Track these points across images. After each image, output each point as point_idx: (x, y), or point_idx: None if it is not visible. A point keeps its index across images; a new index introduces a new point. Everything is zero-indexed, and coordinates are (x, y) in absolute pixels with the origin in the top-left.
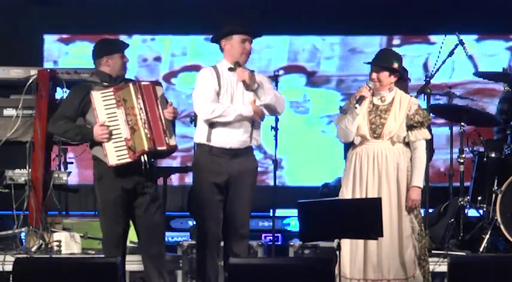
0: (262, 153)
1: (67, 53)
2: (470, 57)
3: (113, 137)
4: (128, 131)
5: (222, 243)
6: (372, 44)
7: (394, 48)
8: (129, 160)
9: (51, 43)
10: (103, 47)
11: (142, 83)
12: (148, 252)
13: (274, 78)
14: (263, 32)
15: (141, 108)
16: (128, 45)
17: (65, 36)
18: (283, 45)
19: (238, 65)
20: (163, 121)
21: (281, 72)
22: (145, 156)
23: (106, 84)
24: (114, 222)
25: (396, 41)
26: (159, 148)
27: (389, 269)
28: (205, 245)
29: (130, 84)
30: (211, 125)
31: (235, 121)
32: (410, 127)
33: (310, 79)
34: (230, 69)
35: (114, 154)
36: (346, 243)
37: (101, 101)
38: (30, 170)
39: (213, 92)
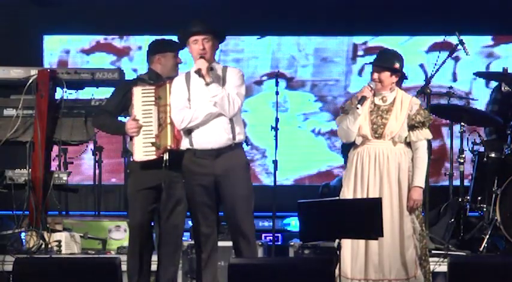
0: (249, 145)
1: (88, 62)
2: (422, 66)
3: (144, 132)
4: (157, 128)
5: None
6: (340, 55)
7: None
8: (154, 157)
9: (74, 55)
10: (157, 45)
11: None
12: (163, 252)
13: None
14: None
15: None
16: (183, 46)
17: (86, 47)
18: (267, 55)
19: (203, 58)
20: None
21: (265, 78)
22: (167, 154)
23: (151, 82)
24: (133, 215)
25: (360, 52)
26: (182, 148)
27: (390, 269)
28: (199, 246)
29: (168, 82)
30: (189, 130)
31: (208, 121)
32: (411, 127)
33: (289, 83)
34: (196, 71)
35: (142, 150)
36: (347, 243)
37: (140, 97)
38: (30, 170)
39: (182, 99)
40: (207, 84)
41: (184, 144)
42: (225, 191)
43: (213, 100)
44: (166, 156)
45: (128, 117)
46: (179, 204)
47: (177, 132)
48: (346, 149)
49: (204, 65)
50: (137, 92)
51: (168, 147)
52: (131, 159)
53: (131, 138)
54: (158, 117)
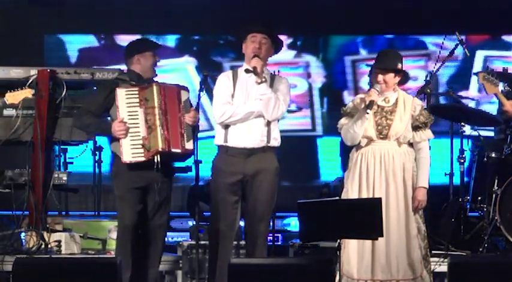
0: None
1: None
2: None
3: (131, 134)
4: (145, 130)
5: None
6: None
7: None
8: (143, 158)
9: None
10: (135, 45)
11: (166, 85)
12: (149, 252)
13: None
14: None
15: (161, 109)
16: (160, 46)
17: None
18: None
19: (258, 57)
20: (183, 124)
21: None
22: (158, 156)
23: (133, 83)
24: (126, 218)
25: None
26: (173, 150)
27: (398, 269)
28: (215, 244)
29: (154, 85)
30: (227, 126)
31: (247, 119)
32: (415, 128)
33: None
34: (246, 71)
35: (130, 151)
36: (353, 243)
37: (125, 98)
38: (30, 170)
39: (226, 95)
40: (260, 82)
41: (218, 140)
42: (250, 191)
43: (260, 97)
44: (158, 159)
45: (108, 118)
46: (164, 204)
47: (167, 134)
48: (344, 148)
49: (260, 64)
50: (121, 93)
51: (160, 150)
52: (115, 161)
53: (114, 139)
54: (146, 119)
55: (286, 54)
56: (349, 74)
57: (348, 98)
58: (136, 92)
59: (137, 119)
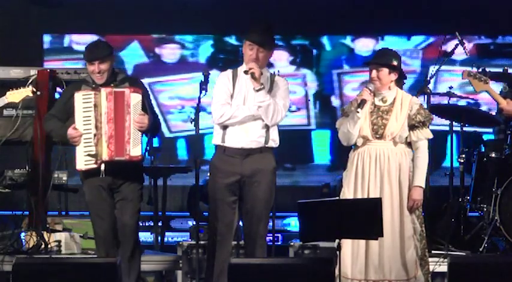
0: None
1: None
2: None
3: (85, 140)
4: (95, 137)
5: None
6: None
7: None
8: (95, 166)
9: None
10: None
11: (115, 89)
12: (121, 252)
13: None
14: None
15: (107, 116)
16: (100, 57)
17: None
18: None
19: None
20: (131, 130)
21: None
22: (103, 165)
23: (94, 86)
24: (97, 220)
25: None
26: (117, 158)
27: (390, 270)
28: (213, 244)
29: (102, 90)
30: (225, 126)
31: (246, 121)
32: (411, 127)
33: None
34: (245, 72)
35: (83, 158)
36: (347, 243)
37: (81, 102)
38: (30, 170)
39: (225, 95)
40: (258, 90)
41: (216, 140)
42: (248, 192)
43: (258, 105)
44: (102, 168)
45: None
46: (130, 202)
47: (111, 143)
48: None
49: (258, 70)
50: (78, 97)
51: (104, 159)
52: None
53: None
54: (96, 125)
55: (288, 68)
56: (336, 83)
57: (335, 101)
58: (92, 96)
59: (90, 124)
